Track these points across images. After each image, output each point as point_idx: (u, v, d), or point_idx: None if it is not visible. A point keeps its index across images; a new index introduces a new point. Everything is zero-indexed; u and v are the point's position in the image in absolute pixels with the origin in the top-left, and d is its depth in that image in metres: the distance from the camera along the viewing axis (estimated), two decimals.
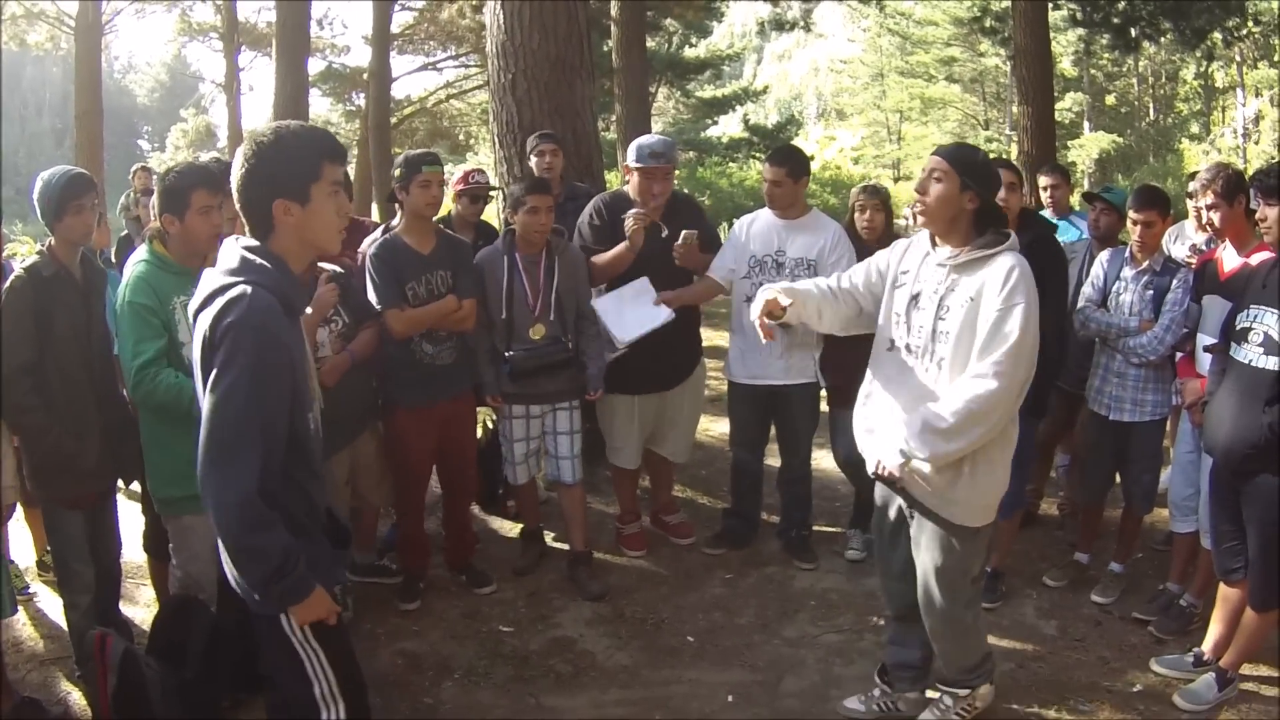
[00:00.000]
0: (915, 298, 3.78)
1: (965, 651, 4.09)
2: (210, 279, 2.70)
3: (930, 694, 4.32)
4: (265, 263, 2.68)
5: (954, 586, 3.89)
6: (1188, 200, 5.13)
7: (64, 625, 4.79)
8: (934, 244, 3.82)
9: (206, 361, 2.61)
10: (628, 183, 5.73)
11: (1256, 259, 4.54)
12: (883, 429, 3.86)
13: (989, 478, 3.74)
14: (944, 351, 3.65)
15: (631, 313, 5.53)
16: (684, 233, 5.47)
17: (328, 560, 2.84)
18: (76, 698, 4.57)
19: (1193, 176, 5.42)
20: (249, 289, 2.60)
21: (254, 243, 2.72)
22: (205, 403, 2.59)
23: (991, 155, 4.27)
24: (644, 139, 5.72)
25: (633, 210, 5.43)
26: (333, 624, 2.84)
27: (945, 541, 3.82)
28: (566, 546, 5.83)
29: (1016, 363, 3.49)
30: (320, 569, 2.76)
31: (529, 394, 5.47)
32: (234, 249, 2.72)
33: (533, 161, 6.50)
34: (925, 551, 3.91)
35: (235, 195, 2.74)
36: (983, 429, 3.56)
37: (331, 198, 2.77)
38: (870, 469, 3.93)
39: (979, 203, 3.66)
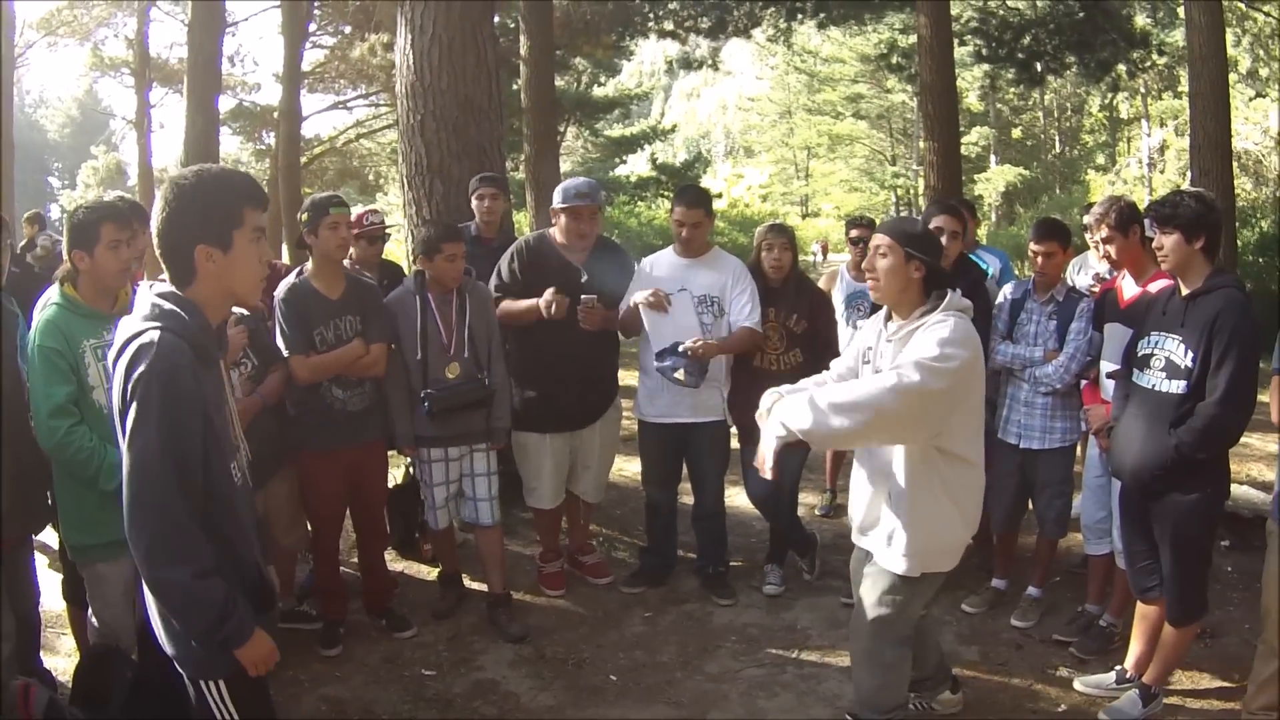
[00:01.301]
0: (878, 373, 3.82)
1: (880, 690, 4.04)
2: (125, 326, 2.63)
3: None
4: (177, 309, 2.61)
5: (884, 623, 3.92)
6: (1085, 234, 5.25)
7: None
8: (888, 319, 3.91)
9: (122, 414, 2.54)
10: (554, 225, 5.73)
11: (1155, 287, 4.67)
12: (859, 495, 4.04)
13: (921, 532, 3.77)
14: None
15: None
16: (584, 298, 5.46)
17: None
18: None
19: (1089, 209, 5.55)
20: (156, 335, 2.53)
21: (168, 288, 2.65)
22: (124, 458, 2.53)
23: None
24: (569, 181, 5.73)
25: (552, 290, 5.39)
26: (264, 671, 2.81)
27: (885, 585, 3.88)
28: (485, 588, 5.78)
29: (920, 373, 3.46)
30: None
31: (447, 436, 5.41)
32: (147, 295, 2.65)
33: (474, 205, 6.48)
34: (867, 583, 3.97)
35: (155, 240, 2.66)
36: (860, 420, 3.50)
37: (253, 244, 2.71)
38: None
39: (925, 270, 3.74)
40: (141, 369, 2.50)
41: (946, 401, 3.55)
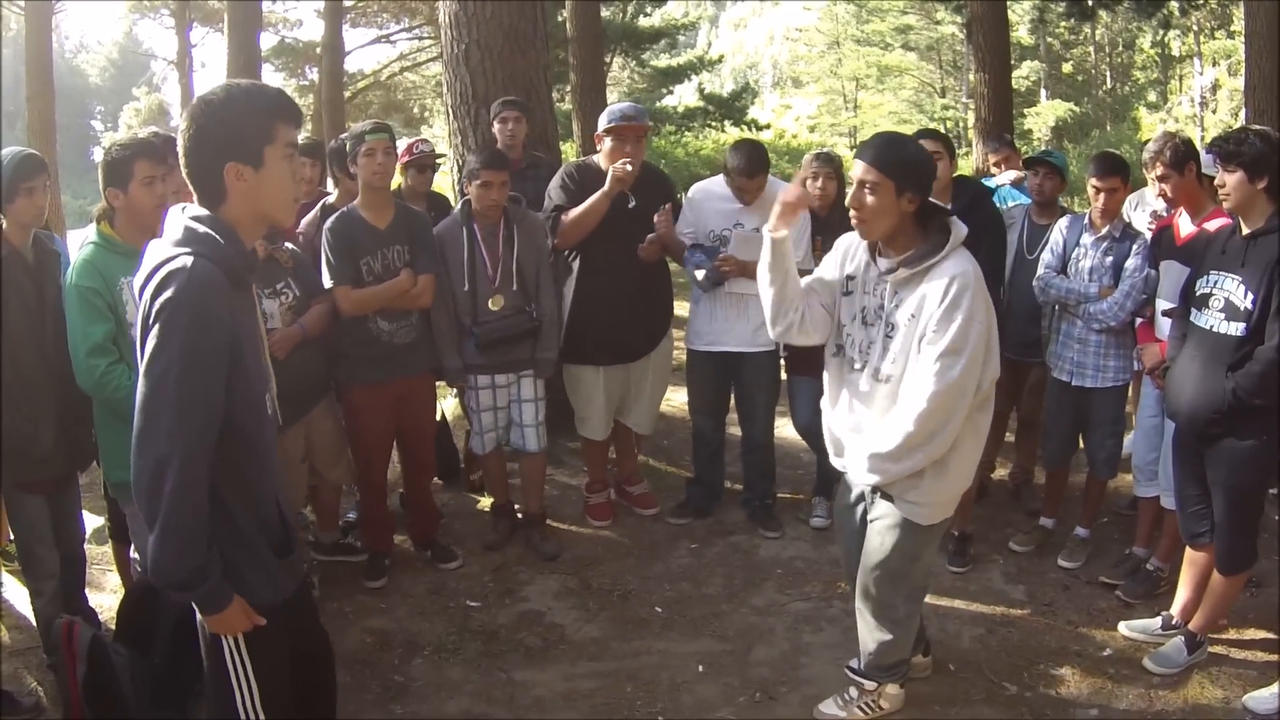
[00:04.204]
0: (863, 311, 3.69)
1: (888, 646, 3.94)
2: (155, 251, 2.52)
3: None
4: (212, 232, 2.48)
5: (896, 576, 3.82)
6: (1144, 170, 5.14)
7: (29, 615, 4.70)
8: (875, 253, 3.67)
9: (143, 338, 2.44)
10: (598, 151, 5.64)
11: (1213, 225, 4.55)
12: (846, 438, 3.85)
13: (947, 479, 3.66)
14: (892, 371, 3.56)
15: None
16: (649, 239, 5.49)
17: (267, 575, 2.67)
18: (48, 687, 4.44)
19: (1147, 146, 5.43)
20: (190, 261, 2.41)
21: (201, 211, 2.53)
22: (139, 384, 2.42)
23: (934, 125, 4.14)
24: (615, 105, 5.66)
25: (623, 161, 5.34)
26: (260, 625, 2.64)
27: (898, 533, 3.74)
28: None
29: (954, 378, 3.39)
30: (257, 586, 2.63)
31: (495, 364, 5.41)
32: (179, 219, 2.53)
33: (495, 129, 6.43)
34: (876, 536, 3.82)
35: (182, 160, 2.53)
36: (931, 446, 3.51)
37: (286, 161, 2.58)
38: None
39: (919, 201, 3.51)
40: (169, 294, 2.38)
41: (983, 356, 3.46)
